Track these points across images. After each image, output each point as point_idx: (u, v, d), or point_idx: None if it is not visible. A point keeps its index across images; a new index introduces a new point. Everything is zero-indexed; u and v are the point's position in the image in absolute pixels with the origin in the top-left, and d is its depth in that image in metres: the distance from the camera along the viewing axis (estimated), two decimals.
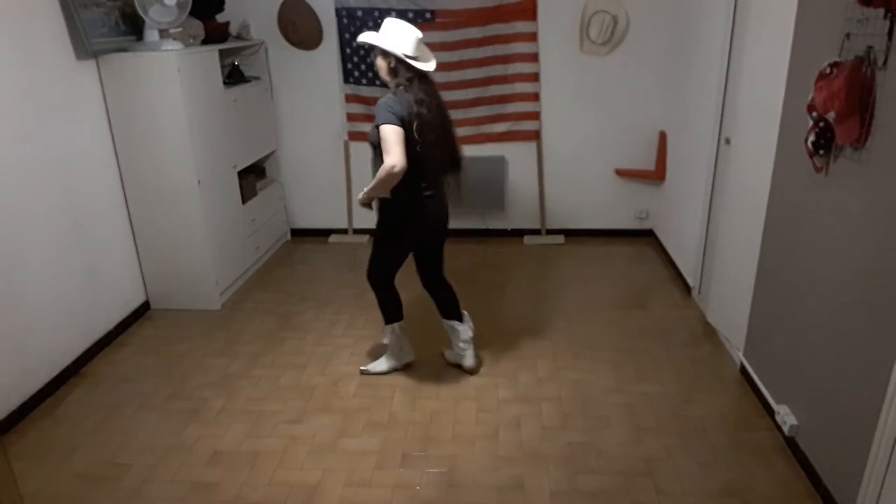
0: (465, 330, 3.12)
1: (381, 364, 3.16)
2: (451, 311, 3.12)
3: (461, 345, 3.13)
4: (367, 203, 2.80)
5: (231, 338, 3.54)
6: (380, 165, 2.61)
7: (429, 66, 2.70)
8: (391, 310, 3.04)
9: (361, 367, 3.17)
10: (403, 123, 2.57)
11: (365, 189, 2.73)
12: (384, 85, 4.53)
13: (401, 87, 2.66)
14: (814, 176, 2.32)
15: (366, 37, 2.70)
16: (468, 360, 3.14)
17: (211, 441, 2.68)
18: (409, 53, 2.63)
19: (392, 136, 2.54)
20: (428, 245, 2.98)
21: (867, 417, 1.98)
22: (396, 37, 2.63)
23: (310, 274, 4.39)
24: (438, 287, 3.09)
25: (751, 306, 2.90)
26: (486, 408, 2.85)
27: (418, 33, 2.66)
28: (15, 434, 2.76)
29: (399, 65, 2.65)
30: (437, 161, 2.74)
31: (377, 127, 2.59)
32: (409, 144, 2.60)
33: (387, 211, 2.81)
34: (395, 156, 2.54)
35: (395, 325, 3.06)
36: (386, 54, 2.66)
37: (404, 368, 3.17)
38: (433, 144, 2.67)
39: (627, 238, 4.88)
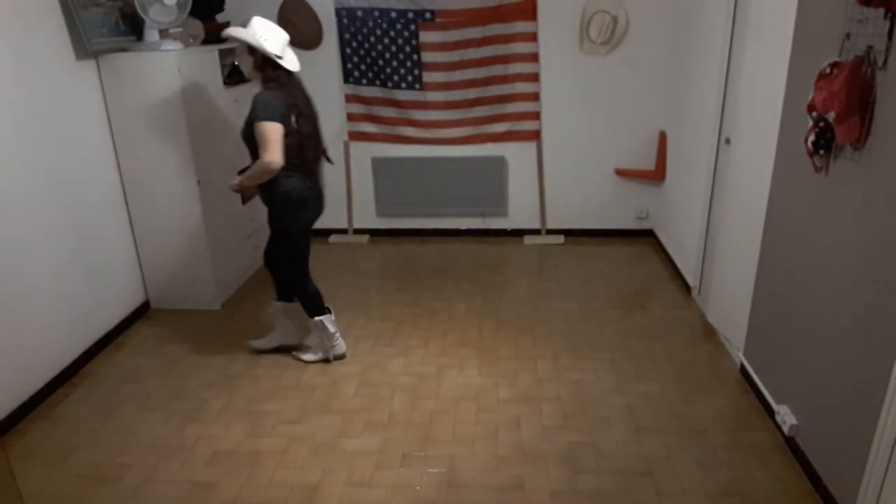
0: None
1: (312, 354, 3.28)
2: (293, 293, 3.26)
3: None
4: (239, 190, 2.99)
5: (231, 338, 3.54)
6: (251, 159, 2.83)
7: (295, 66, 2.86)
8: (317, 300, 3.16)
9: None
10: (282, 120, 2.71)
11: (239, 179, 2.92)
12: (384, 84, 4.59)
13: (271, 84, 2.77)
14: (814, 176, 2.32)
15: (236, 31, 2.77)
16: (298, 339, 3.36)
17: (211, 441, 2.68)
18: (278, 53, 2.76)
19: (272, 133, 2.69)
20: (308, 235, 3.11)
21: (867, 417, 1.98)
22: (265, 35, 2.74)
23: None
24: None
25: (751, 306, 2.90)
26: (486, 408, 2.85)
27: (286, 35, 2.83)
28: (15, 434, 2.76)
29: (266, 63, 2.76)
30: (311, 153, 2.91)
31: (252, 123, 2.72)
32: (287, 139, 2.75)
33: (272, 204, 2.94)
34: (273, 153, 2.70)
35: (324, 316, 3.15)
36: (253, 51, 2.76)
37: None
38: (309, 138, 2.88)
39: (627, 238, 4.88)
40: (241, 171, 2.99)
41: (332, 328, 3.19)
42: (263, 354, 3.34)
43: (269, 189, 2.87)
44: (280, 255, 3.10)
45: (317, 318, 3.15)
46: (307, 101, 2.93)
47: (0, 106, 2.77)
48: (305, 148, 2.86)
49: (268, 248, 3.17)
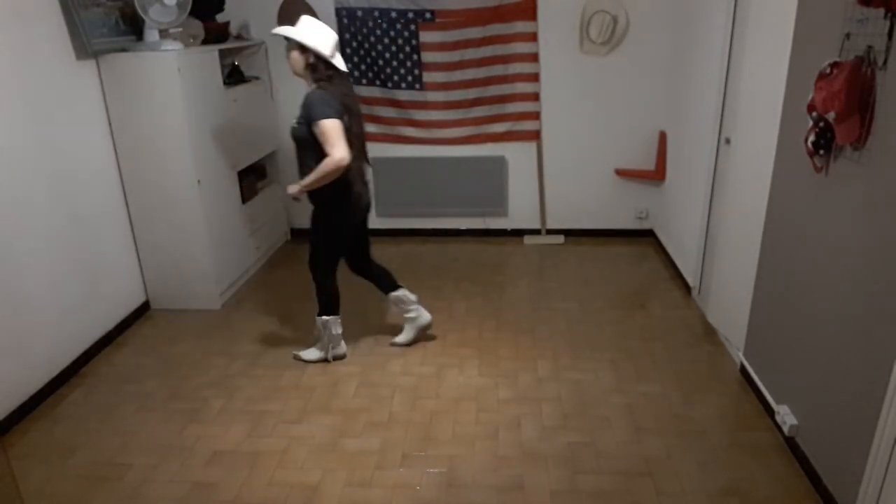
0: (409, 292, 3.30)
1: (312, 353, 3.26)
2: (393, 282, 3.28)
3: (413, 307, 3.31)
4: (298, 197, 2.89)
5: (231, 338, 3.54)
6: (308, 159, 2.80)
7: (343, 66, 2.89)
8: (333, 301, 3.16)
9: (294, 352, 3.31)
10: (340, 117, 2.73)
11: (301, 182, 2.83)
12: (384, 84, 4.59)
13: (324, 83, 2.79)
14: (814, 176, 2.32)
15: (288, 31, 2.78)
16: (427, 316, 3.35)
17: (211, 441, 2.68)
18: (328, 53, 2.78)
19: (336, 130, 2.70)
20: (360, 231, 3.16)
21: (867, 417, 1.98)
22: (318, 35, 2.76)
23: (310, 274, 4.38)
24: (373, 267, 3.28)
25: (751, 306, 2.90)
26: (486, 408, 2.85)
27: (335, 36, 2.84)
28: (15, 434, 2.76)
29: (318, 62, 2.78)
30: (357, 153, 2.90)
31: (311, 122, 2.72)
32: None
33: (323, 202, 2.92)
34: (341, 149, 2.71)
35: (332, 317, 3.16)
36: (304, 50, 2.77)
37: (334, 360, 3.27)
38: (357, 138, 2.90)
39: (627, 238, 4.88)
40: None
41: (336, 330, 3.19)
42: (263, 354, 3.34)
43: (318, 188, 2.84)
44: (315, 249, 3.07)
45: (324, 318, 3.14)
46: (355, 100, 2.94)
47: (0, 106, 2.77)
48: (353, 147, 2.82)
49: (350, 261, 3.22)
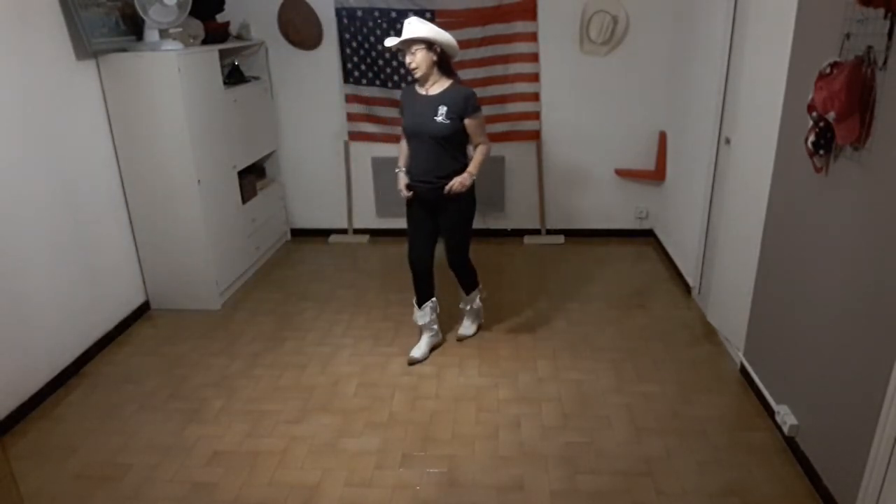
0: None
1: (472, 328, 3.49)
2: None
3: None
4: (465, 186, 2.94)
5: (231, 338, 3.54)
6: (456, 152, 2.96)
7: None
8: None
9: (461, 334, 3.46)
10: None
11: (471, 171, 2.94)
12: (384, 84, 4.59)
13: (453, 78, 2.95)
14: (814, 176, 2.32)
15: (417, 32, 2.79)
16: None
17: (211, 441, 2.68)
18: (456, 46, 2.91)
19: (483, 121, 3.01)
20: None
21: (867, 417, 1.98)
22: (439, 30, 2.85)
23: (310, 274, 4.39)
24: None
25: (751, 306, 2.90)
26: (486, 408, 2.85)
27: None
28: (15, 434, 2.76)
29: (444, 57, 2.89)
30: None
31: (469, 114, 2.87)
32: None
33: (472, 188, 3.02)
34: (488, 138, 3.03)
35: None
36: (430, 46, 2.83)
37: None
38: None
39: (627, 238, 4.88)
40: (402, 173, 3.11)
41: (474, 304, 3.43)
42: (263, 354, 3.34)
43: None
44: (463, 239, 3.18)
45: (479, 287, 3.38)
46: None
47: (0, 106, 2.77)
48: None
49: (449, 252, 3.21)
